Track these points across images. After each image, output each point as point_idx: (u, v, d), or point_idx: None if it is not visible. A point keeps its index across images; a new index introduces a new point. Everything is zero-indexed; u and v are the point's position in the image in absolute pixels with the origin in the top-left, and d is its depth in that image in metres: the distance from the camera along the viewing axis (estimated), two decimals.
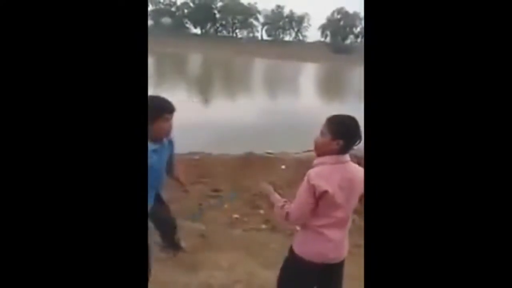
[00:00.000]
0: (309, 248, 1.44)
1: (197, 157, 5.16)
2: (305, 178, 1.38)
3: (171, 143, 1.79)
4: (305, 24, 66.83)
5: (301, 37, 67.37)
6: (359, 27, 64.59)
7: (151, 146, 1.61)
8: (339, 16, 64.64)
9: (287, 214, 1.40)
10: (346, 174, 1.39)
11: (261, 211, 3.96)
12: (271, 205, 1.52)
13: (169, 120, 1.63)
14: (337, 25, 64.23)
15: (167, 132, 1.66)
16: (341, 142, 1.36)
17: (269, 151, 6.06)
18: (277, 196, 1.53)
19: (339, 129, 1.36)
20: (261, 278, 2.36)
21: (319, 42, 64.30)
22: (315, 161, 1.44)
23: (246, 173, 4.98)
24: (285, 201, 1.46)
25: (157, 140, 1.65)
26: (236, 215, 3.80)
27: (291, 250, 1.50)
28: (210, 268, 2.45)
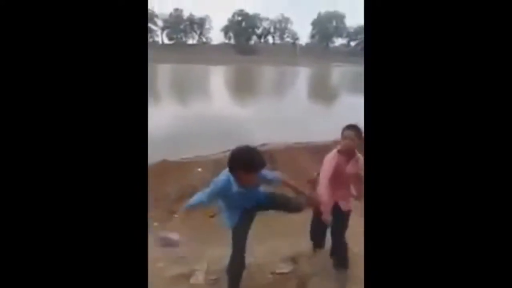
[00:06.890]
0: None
1: None
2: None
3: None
4: (207, 27, 66.93)
5: (205, 40, 67.26)
6: (261, 28, 67.74)
7: (237, 188, 1.73)
8: (240, 18, 66.54)
9: None
10: None
11: (176, 215, 4.01)
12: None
13: (256, 175, 1.70)
14: (239, 26, 66.05)
15: (255, 184, 1.79)
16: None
17: (184, 156, 6.11)
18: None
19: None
20: None
21: (224, 44, 65.23)
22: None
23: (163, 180, 4.97)
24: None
25: (244, 186, 1.74)
26: (156, 223, 3.81)
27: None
28: None
